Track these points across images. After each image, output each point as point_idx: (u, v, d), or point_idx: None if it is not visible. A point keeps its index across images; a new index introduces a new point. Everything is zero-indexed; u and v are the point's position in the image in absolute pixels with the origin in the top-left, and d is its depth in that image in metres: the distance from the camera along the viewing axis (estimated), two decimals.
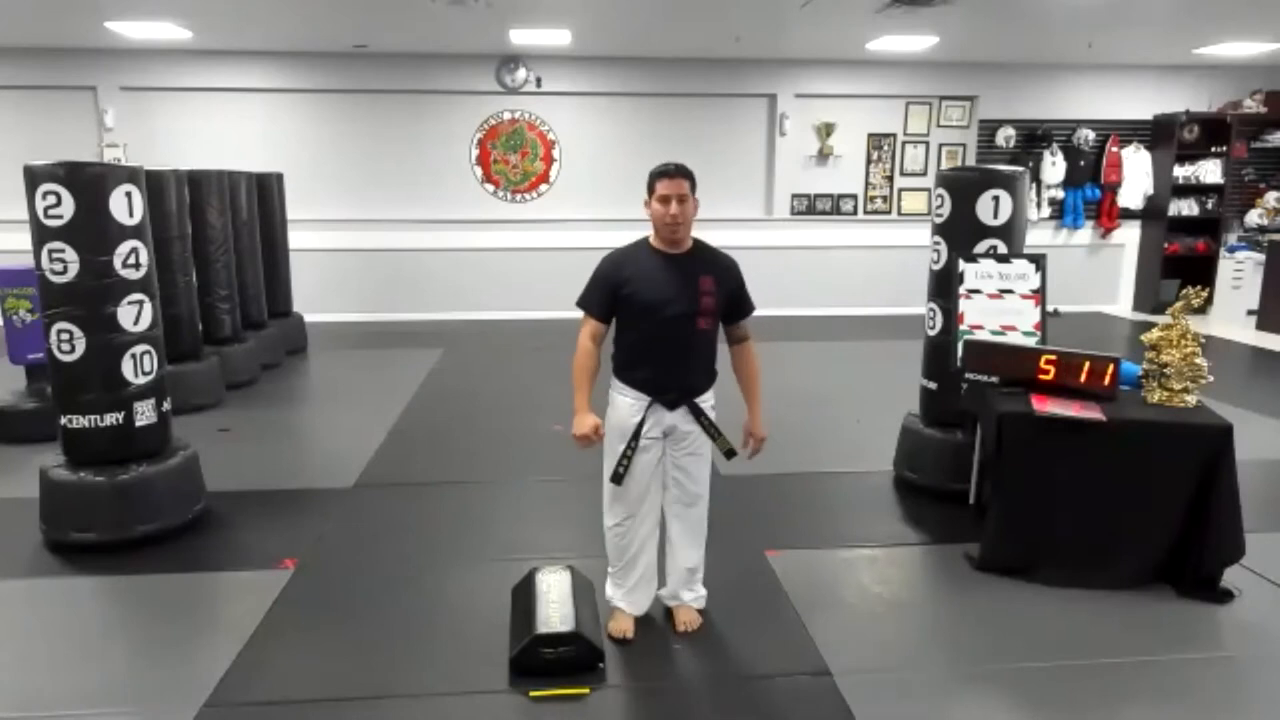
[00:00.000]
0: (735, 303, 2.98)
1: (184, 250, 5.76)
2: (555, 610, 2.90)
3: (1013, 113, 9.98)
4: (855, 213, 10.06)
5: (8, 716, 2.63)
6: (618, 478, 2.93)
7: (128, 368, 3.79)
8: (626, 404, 2.93)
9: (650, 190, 2.91)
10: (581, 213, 9.64)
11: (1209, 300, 9.68)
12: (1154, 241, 10.16)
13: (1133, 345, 7.53)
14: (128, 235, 3.75)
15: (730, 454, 3.01)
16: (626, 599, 3.07)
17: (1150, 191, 9.99)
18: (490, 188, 9.65)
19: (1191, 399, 3.50)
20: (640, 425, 2.89)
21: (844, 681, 2.80)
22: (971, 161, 9.86)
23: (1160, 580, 3.41)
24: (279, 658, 2.96)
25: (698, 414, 2.93)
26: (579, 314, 3.04)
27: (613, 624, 3.05)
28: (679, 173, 2.86)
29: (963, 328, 4.05)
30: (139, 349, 3.83)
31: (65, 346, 3.69)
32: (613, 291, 2.90)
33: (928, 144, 10.03)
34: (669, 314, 2.83)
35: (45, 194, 3.57)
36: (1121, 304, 10.49)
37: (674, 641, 3.05)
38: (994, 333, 4.02)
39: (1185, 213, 10.06)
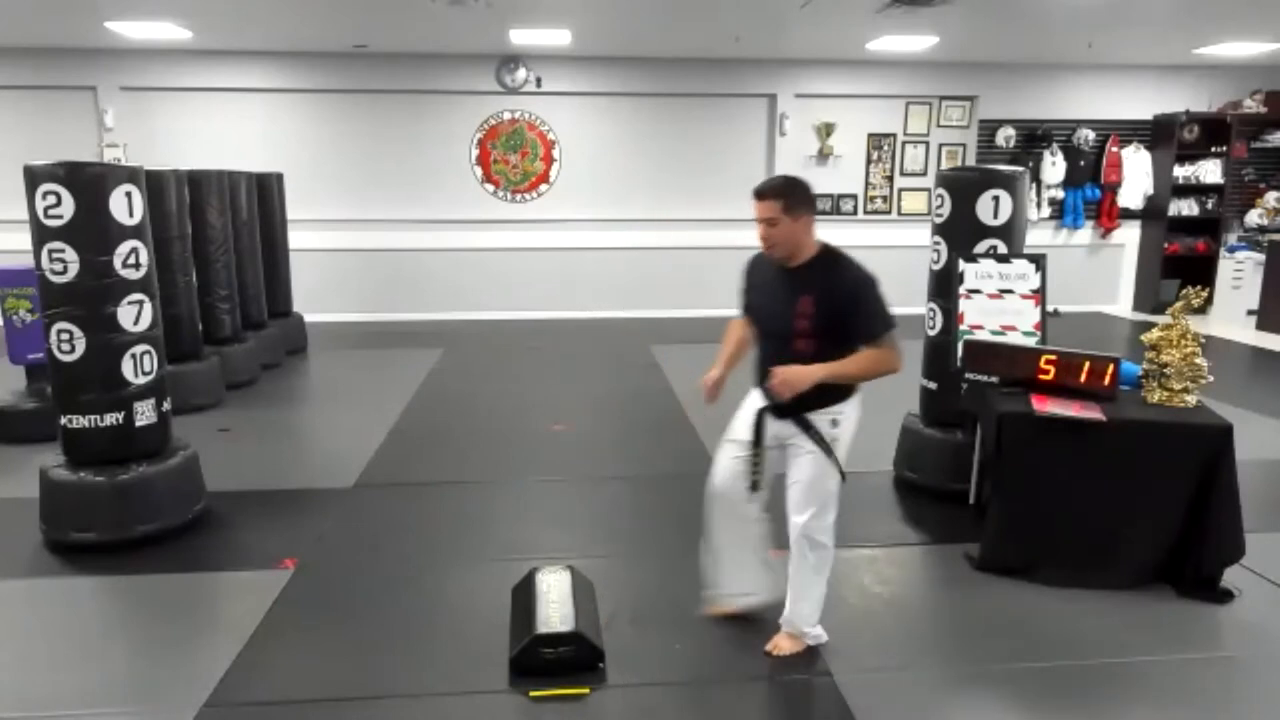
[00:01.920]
0: (841, 325, 2.72)
1: (184, 250, 5.76)
2: (555, 610, 2.90)
3: (1013, 113, 9.98)
4: (855, 213, 10.07)
5: (8, 716, 2.63)
6: (754, 486, 2.93)
7: (128, 368, 3.79)
8: (750, 401, 2.97)
9: None
10: (581, 213, 9.65)
11: (1209, 300, 9.68)
12: (1154, 241, 10.16)
13: (1133, 345, 7.53)
14: (128, 235, 3.75)
15: (754, 487, 2.94)
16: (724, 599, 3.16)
17: (1150, 191, 9.99)
18: (490, 188, 9.65)
19: (1191, 399, 3.50)
20: (759, 429, 2.89)
21: (844, 681, 2.80)
22: (971, 161, 9.86)
23: (1160, 580, 3.41)
24: (279, 658, 2.96)
25: (806, 426, 2.81)
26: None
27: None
28: (767, 193, 2.75)
29: (963, 328, 4.05)
30: (139, 349, 3.83)
31: (65, 346, 3.69)
32: (746, 285, 2.99)
33: (928, 144, 10.03)
34: (770, 329, 2.85)
35: (45, 194, 3.57)
36: (1121, 304, 10.49)
37: (674, 642, 3.05)
38: (994, 333, 4.02)
39: (1185, 213, 10.06)
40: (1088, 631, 3.11)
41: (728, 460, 3.00)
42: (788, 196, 2.74)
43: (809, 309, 2.72)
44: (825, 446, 2.80)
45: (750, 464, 2.91)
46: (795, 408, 2.79)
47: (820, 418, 2.81)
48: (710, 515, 3.11)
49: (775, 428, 2.87)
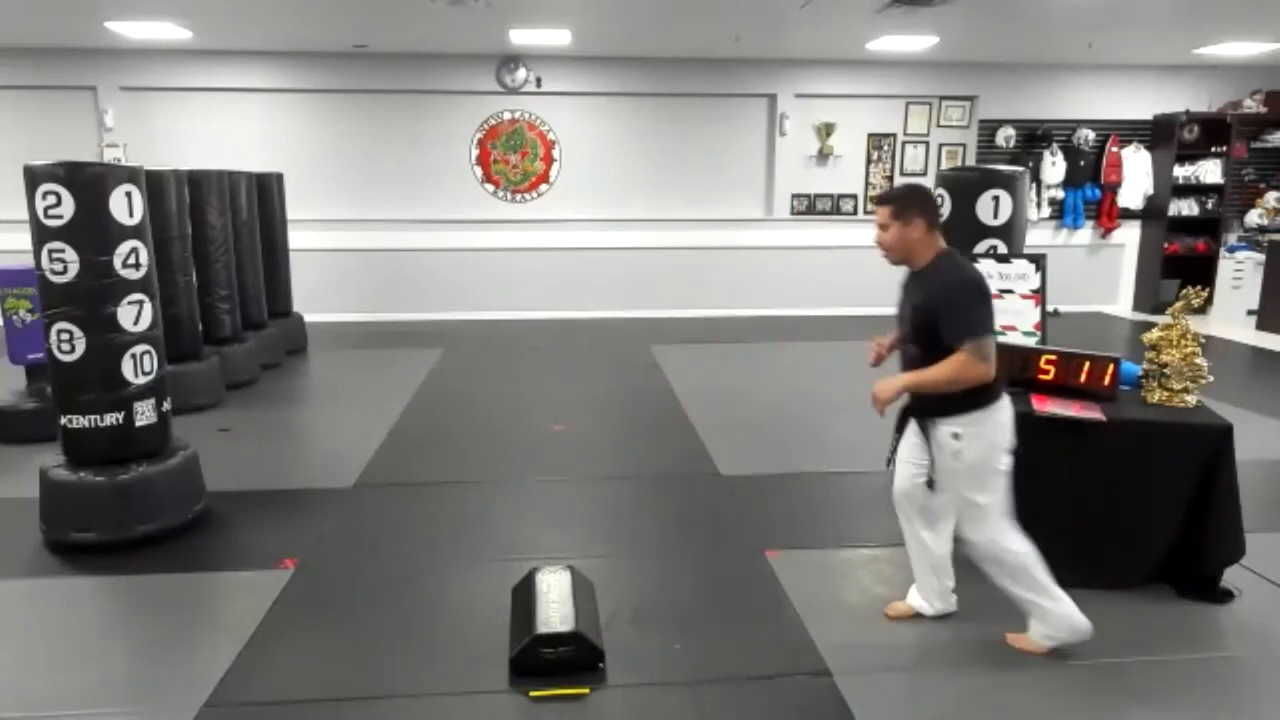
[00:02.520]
0: (938, 331, 2.74)
1: (184, 250, 5.76)
2: (555, 610, 2.90)
3: (1013, 113, 9.98)
4: (855, 213, 10.06)
5: (8, 716, 2.63)
6: (929, 483, 2.98)
7: (128, 368, 3.79)
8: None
9: None
10: (581, 213, 9.65)
11: (1209, 300, 9.68)
12: (1154, 241, 10.16)
13: (1133, 345, 7.53)
14: (128, 235, 3.75)
15: (929, 484, 2.96)
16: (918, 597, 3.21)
17: (1150, 191, 9.99)
18: (490, 188, 9.65)
19: (1191, 399, 3.50)
20: (905, 419, 3.04)
21: (844, 681, 2.80)
22: (971, 161, 9.86)
23: (1160, 580, 3.41)
24: (279, 658, 2.96)
25: (926, 432, 2.92)
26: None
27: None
28: (882, 200, 2.90)
29: None
30: (139, 349, 3.83)
31: (65, 346, 3.69)
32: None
33: (928, 144, 10.03)
34: (901, 331, 2.99)
35: (45, 194, 3.57)
36: (1121, 304, 10.49)
37: (674, 642, 3.05)
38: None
39: (1185, 213, 10.06)
40: None
41: (901, 463, 3.12)
42: (898, 202, 2.85)
43: (912, 313, 2.87)
44: (930, 454, 2.90)
45: (917, 463, 3.00)
46: (920, 412, 2.94)
47: (943, 430, 2.85)
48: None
49: (915, 425, 3.01)
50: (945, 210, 4.28)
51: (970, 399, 2.76)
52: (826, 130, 9.82)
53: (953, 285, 2.76)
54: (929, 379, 2.75)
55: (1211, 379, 3.50)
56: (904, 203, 2.84)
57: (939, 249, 2.87)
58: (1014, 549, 2.87)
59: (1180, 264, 9.95)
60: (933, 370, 2.74)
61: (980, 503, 2.84)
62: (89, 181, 3.64)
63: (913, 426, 3.03)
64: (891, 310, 2.89)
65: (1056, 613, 2.89)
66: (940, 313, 2.73)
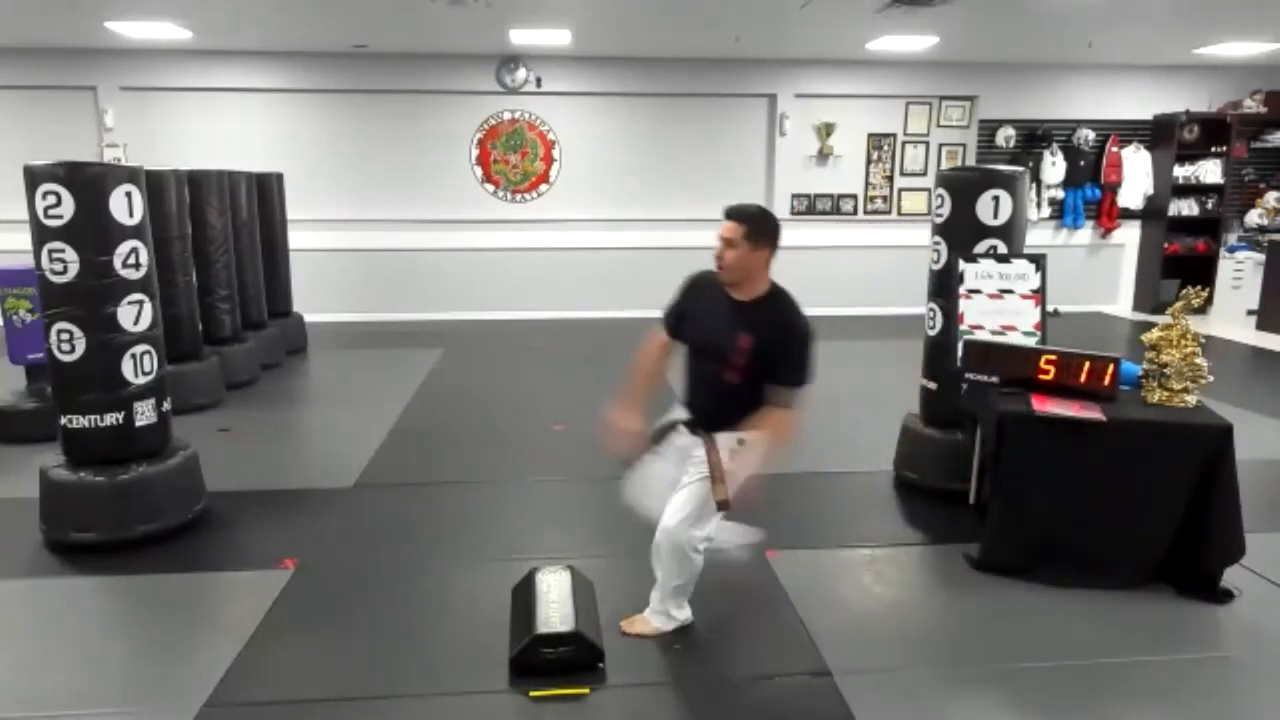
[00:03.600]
0: (771, 367, 2.78)
1: (184, 250, 5.76)
2: (555, 610, 2.90)
3: (1013, 113, 9.98)
4: (855, 213, 10.06)
5: (7, 717, 2.63)
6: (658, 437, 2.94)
7: (128, 368, 3.79)
8: (674, 411, 3.00)
9: None
10: (581, 213, 9.65)
11: (1209, 300, 9.68)
12: (1154, 241, 10.16)
13: (1133, 345, 7.53)
14: (128, 235, 3.75)
15: (722, 505, 2.81)
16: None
17: (1150, 191, 9.99)
18: (490, 188, 9.65)
19: (1191, 399, 3.50)
20: (668, 428, 2.95)
21: (844, 681, 2.80)
22: (971, 161, 9.86)
23: (1160, 580, 3.41)
24: (279, 658, 2.96)
25: (709, 447, 2.84)
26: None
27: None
28: (736, 215, 2.79)
29: (963, 328, 4.05)
30: (139, 349, 3.83)
31: (65, 346, 3.69)
32: (682, 311, 2.96)
33: (928, 144, 10.03)
34: (707, 352, 2.85)
35: (45, 194, 3.57)
36: (1121, 304, 10.49)
37: (674, 642, 3.05)
38: (994, 333, 4.02)
39: (1185, 213, 10.06)
40: (1088, 631, 3.11)
41: (656, 465, 3.00)
42: (753, 224, 2.76)
43: (747, 346, 2.75)
44: (717, 470, 2.78)
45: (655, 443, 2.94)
46: (711, 426, 2.86)
47: (726, 435, 2.83)
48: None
49: (684, 439, 2.93)
50: (945, 210, 4.29)
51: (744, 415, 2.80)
52: (826, 130, 9.82)
53: (797, 331, 2.82)
54: (781, 438, 2.79)
55: (1211, 379, 3.50)
56: (759, 226, 2.77)
57: (771, 283, 2.86)
58: (699, 559, 2.96)
59: (1180, 264, 9.95)
60: (781, 429, 2.79)
61: (713, 508, 2.85)
62: (89, 181, 3.63)
63: (676, 441, 2.96)
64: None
65: (678, 619, 3.06)
66: (788, 354, 2.79)
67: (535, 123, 9.58)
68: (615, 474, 4.75)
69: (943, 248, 4.30)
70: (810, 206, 10.01)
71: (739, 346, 2.75)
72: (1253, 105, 9.82)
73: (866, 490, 4.51)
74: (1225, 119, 9.78)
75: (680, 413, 2.97)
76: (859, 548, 3.83)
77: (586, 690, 2.75)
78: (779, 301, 2.85)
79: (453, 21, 7.28)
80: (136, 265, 3.80)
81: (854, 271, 10.02)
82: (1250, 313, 9.25)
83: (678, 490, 2.89)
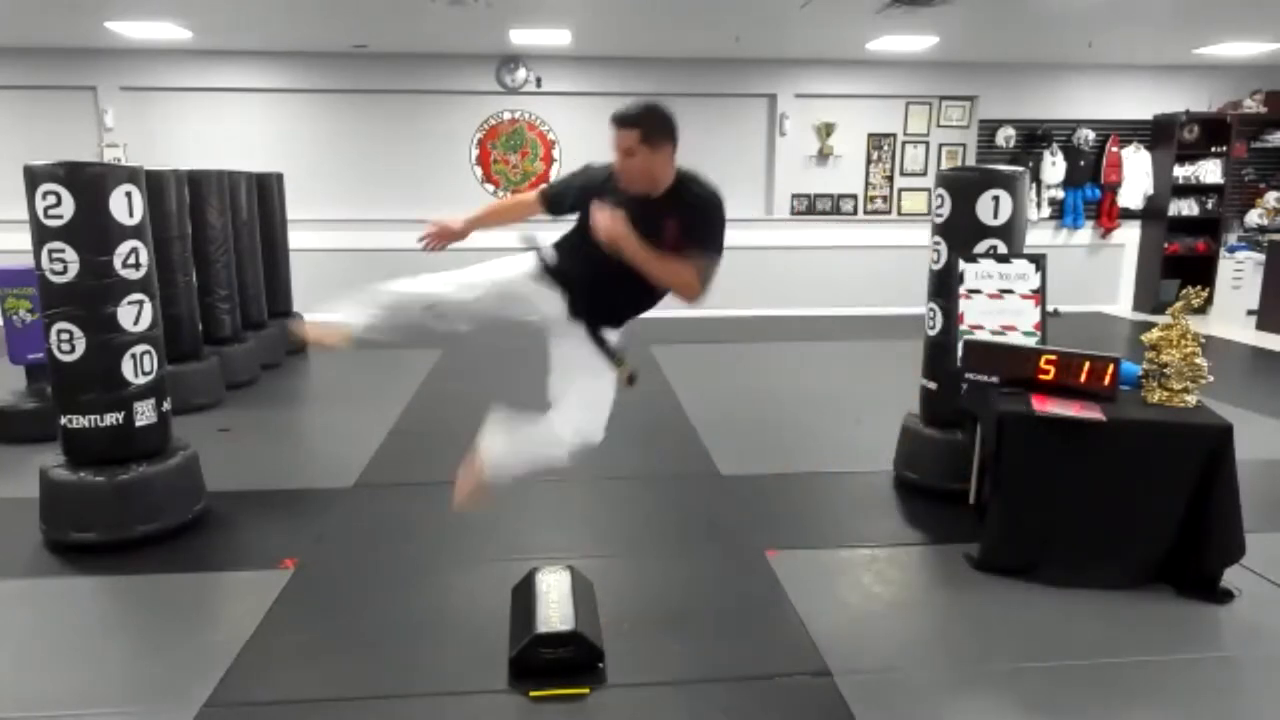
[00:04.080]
0: (688, 235, 2.62)
1: (184, 250, 5.76)
2: (555, 610, 2.90)
3: (1013, 113, 9.98)
4: (855, 213, 10.07)
5: (7, 717, 2.63)
6: (630, 378, 2.80)
7: (128, 368, 3.79)
8: (532, 259, 2.77)
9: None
10: None
11: (1209, 300, 9.68)
12: (1154, 241, 10.16)
13: (1133, 345, 7.53)
14: (128, 235, 3.75)
15: (631, 379, 2.75)
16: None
17: (1150, 191, 9.99)
18: (490, 188, 9.65)
19: (1191, 399, 3.50)
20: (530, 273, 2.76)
21: (844, 681, 2.80)
22: (971, 161, 9.86)
23: (1160, 580, 3.41)
24: (279, 658, 2.96)
25: (599, 340, 2.75)
26: None
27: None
28: (625, 120, 2.55)
29: (963, 328, 4.05)
30: (139, 349, 3.82)
31: (65, 346, 3.69)
32: (574, 194, 2.74)
33: (928, 144, 10.03)
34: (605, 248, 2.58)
35: (45, 194, 3.57)
36: (1121, 304, 10.49)
37: (674, 642, 3.05)
38: (994, 333, 4.02)
39: (1185, 213, 10.06)
40: (1088, 631, 3.11)
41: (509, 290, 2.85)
42: (648, 125, 2.55)
43: (675, 232, 2.59)
44: (615, 355, 2.74)
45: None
46: (603, 319, 2.74)
47: (608, 332, 2.78)
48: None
49: (557, 312, 2.77)
50: (945, 210, 4.29)
51: (644, 308, 2.76)
52: (826, 130, 9.82)
53: (714, 202, 2.67)
54: (661, 266, 2.61)
55: (1211, 379, 3.50)
56: (655, 125, 2.55)
57: (676, 169, 2.67)
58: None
59: (1180, 264, 9.95)
60: (670, 262, 2.60)
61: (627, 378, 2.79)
62: (89, 181, 3.63)
63: (545, 310, 2.84)
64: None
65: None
66: (698, 224, 2.63)
67: (535, 123, 9.59)
68: (615, 474, 4.78)
69: (943, 248, 4.30)
70: (810, 206, 10.01)
71: (666, 236, 2.58)
72: (1253, 105, 9.82)
73: (866, 490, 4.51)
74: (1225, 119, 9.78)
75: (541, 264, 2.79)
76: (859, 548, 3.83)
77: (586, 690, 2.74)
78: (690, 182, 2.68)
79: (453, 21, 7.28)
80: (136, 265, 3.80)
81: (854, 271, 10.03)
82: (1250, 313, 9.25)
83: (559, 399, 2.78)
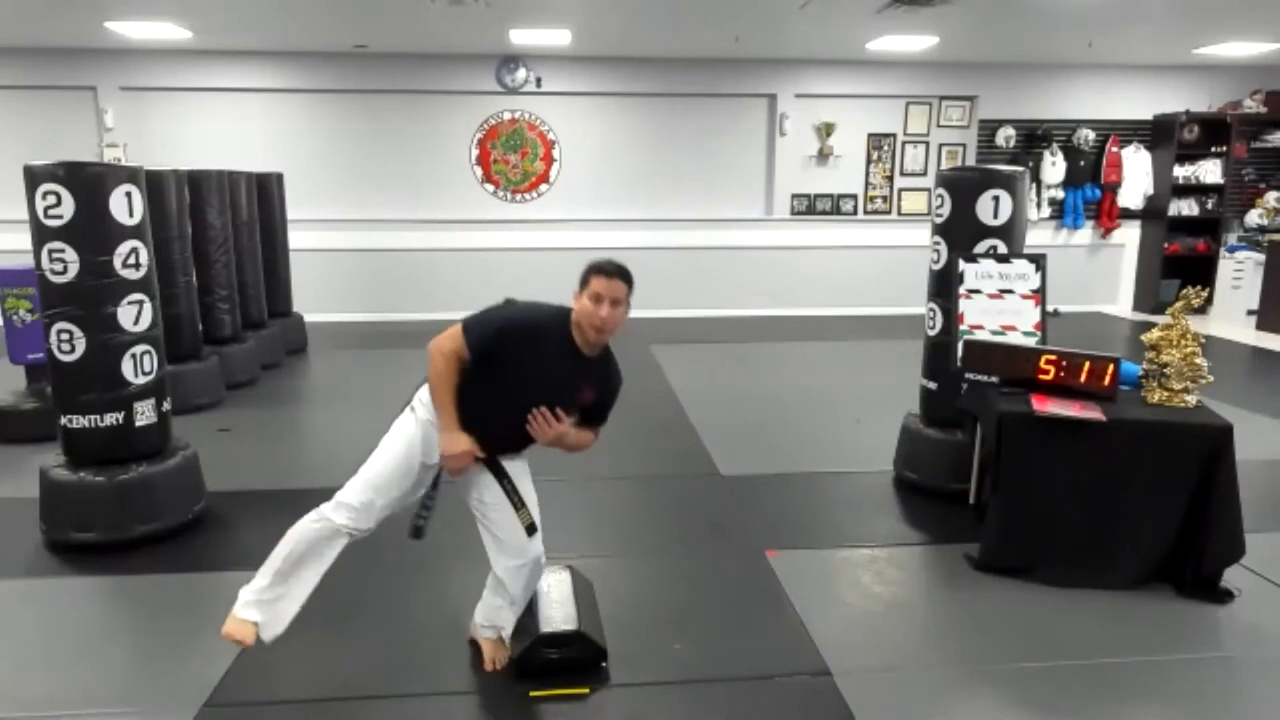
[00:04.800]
0: (595, 413, 2.76)
1: (184, 250, 5.76)
2: (558, 610, 2.90)
3: (1013, 113, 9.98)
4: (855, 213, 10.07)
5: (7, 717, 2.63)
6: (418, 532, 2.70)
7: (128, 368, 3.79)
8: (431, 439, 2.65)
9: (584, 282, 2.62)
10: (581, 213, 9.65)
11: (1209, 300, 9.69)
12: (1154, 241, 10.16)
13: (1133, 345, 7.53)
14: (128, 235, 3.75)
15: (530, 529, 2.72)
16: (263, 611, 2.64)
17: (1150, 191, 9.99)
18: (490, 188, 9.65)
19: (1191, 399, 3.50)
20: (440, 474, 2.70)
21: (844, 681, 2.80)
22: (971, 161, 9.86)
23: (1160, 580, 3.41)
24: (279, 658, 2.95)
25: (500, 476, 2.71)
26: None
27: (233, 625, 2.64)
28: (619, 274, 2.60)
29: (963, 328, 4.05)
30: (139, 349, 3.83)
31: (65, 346, 3.69)
32: (505, 350, 2.57)
33: (928, 144, 10.03)
34: (532, 404, 2.57)
35: (45, 194, 3.57)
36: (1121, 304, 10.49)
37: (674, 641, 3.05)
38: (994, 333, 4.02)
39: (1185, 213, 10.06)
40: (1088, 631, 3.11)
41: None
42: (632, 281, 2.66)
43: (588, 401, 2.69)
44: (516, 498, 2.72)
45: (422, 507, 2.73)
46: (505, 451, 2.72)
47: (518, 465, 2.78)
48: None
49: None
50: (945, 210, 4.29)
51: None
52: (826, 130, 9.82)
53: (620, 382, 2.80)
54: (581, 444, 2.77)
55: (1211, 379, 3.50)
56: (632, 283, 2.67)
57: None
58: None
59: (1180, 264, 9.95)
60: (584, 438, 2.77)
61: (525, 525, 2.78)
62: (89, 181, 3.63)
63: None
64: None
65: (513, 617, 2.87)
66: (609, 404, 2.77)
67: (535, 123, 9.59)
68: (615, 474, 4.78)
69: (943, 248, 4.30)
70: (810, 206, 10.01)
71: (580, 400, 2.67)
72: (1253, 105, 9.82)
73: (866, 490, 4.51)
74: (1225, 119, 9.78)
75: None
76: (859, 548, 3.84)
77: (587, 690, 2.75)
78: (613, 364, 2.77)
79: (453, 21, 7.28)
80: (136, 265, 3.80)
81: (854, 271, 10.03)
82: (1250, 313, 9.25)
83: (503, 517, 2.74)
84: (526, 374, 2.58)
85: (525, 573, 2.78)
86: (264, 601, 2.65)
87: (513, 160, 9.63)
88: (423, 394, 2.76)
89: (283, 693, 2.75)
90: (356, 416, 5.80)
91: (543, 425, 2.56)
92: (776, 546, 3.79)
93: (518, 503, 2.72)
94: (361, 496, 2.66)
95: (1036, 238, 9.40)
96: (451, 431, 2.58)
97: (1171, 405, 3.49)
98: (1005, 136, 9.98)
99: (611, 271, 2.59)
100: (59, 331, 3.68)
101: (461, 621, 3.13)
